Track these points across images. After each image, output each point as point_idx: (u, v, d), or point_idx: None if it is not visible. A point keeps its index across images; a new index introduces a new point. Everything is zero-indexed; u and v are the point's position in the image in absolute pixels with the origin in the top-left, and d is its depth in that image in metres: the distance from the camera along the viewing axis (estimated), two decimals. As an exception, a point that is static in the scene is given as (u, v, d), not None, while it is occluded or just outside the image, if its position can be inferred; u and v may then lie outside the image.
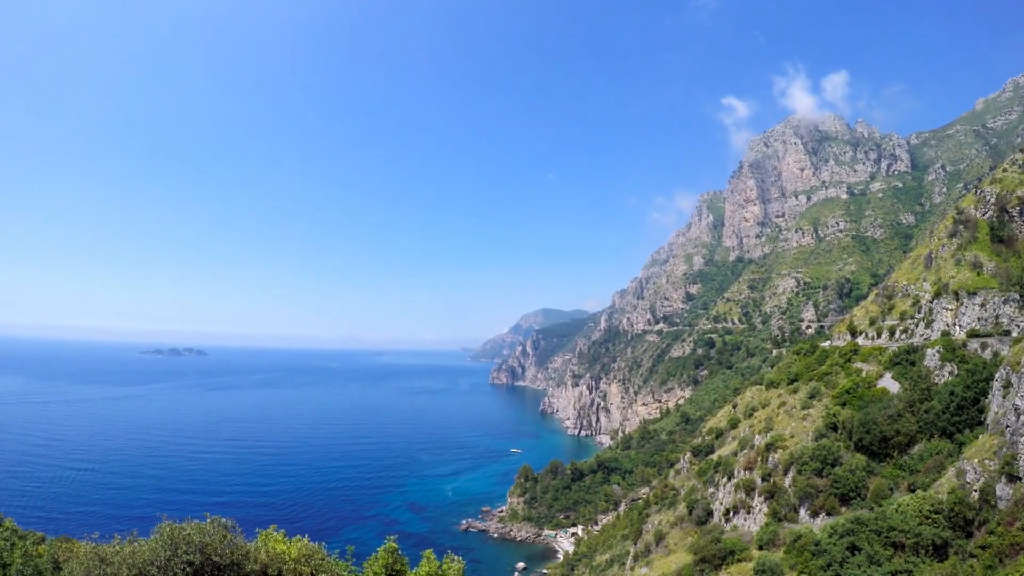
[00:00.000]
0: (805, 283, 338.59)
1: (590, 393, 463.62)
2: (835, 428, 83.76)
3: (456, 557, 21.51)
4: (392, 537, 21.69)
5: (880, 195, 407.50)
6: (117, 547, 15.83)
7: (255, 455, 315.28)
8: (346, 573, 19.73)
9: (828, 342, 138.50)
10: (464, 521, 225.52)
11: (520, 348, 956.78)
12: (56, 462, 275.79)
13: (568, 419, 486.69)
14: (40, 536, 26.45)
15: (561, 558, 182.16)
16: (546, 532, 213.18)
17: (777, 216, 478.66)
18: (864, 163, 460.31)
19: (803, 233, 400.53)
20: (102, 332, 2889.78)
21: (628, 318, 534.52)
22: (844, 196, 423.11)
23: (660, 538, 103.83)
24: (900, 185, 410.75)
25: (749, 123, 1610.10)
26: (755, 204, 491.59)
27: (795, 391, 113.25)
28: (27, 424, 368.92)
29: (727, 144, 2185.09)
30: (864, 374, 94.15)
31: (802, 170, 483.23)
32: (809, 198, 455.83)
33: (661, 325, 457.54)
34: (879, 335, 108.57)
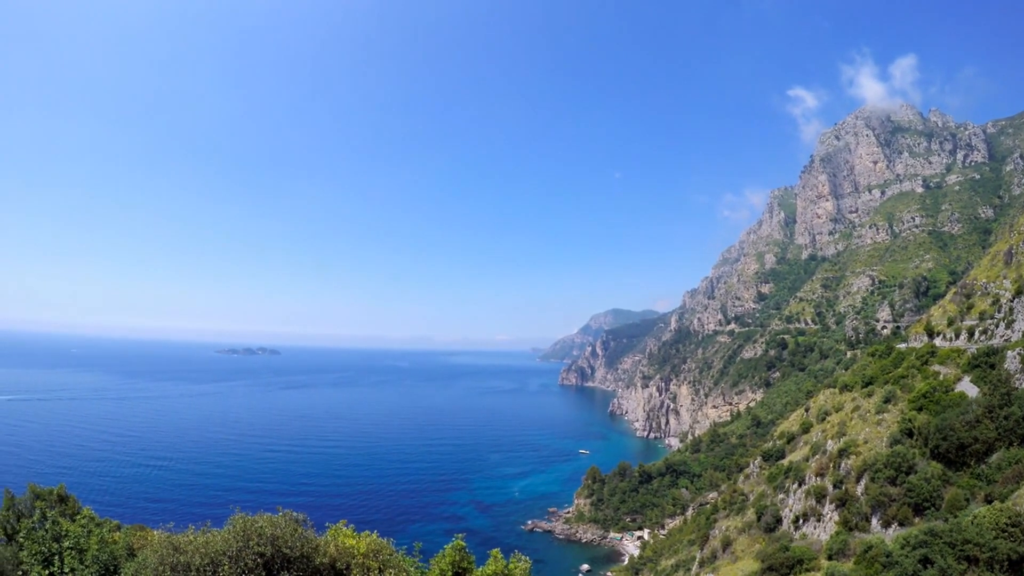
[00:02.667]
0: (880, 282, 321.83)
1: (659, 395, 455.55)
2: (910, 434, 79.55)
3: (523, 557, 21.22)
4: (460, 535, 21.55)
5: (957, 188, 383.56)
6: (191, 536, 16.13)
7: (326, 452, 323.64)
8: (413, 569, 19.70)
9: (904, 343, 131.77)
10: (530, 521, 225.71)
11: (590, 349, 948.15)
12: (133, 456, 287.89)
13: (637, 421, 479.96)
14: (116, 524, 27.28)
15: (626, 561, 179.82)
16: (612, 535, 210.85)
17: (850, 212, 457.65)
18: (939, 154, 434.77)
19: (877, 229, 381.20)
20: (181, 332, 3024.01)
21: (699, 318, 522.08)
22: (919, 190, 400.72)
23: (727, 544, 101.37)
24: (977, 177, 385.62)
25: (818, 113, 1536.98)
26: (827, 200, 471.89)
27: (869, 395, 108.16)
28: (106, 419, 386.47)
29: (796, 138, 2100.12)
30: (941, 377, 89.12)
31: (875, 163, 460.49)
32: (883, 192, 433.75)
33: (732, 325, 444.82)
34: (957, 336, 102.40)
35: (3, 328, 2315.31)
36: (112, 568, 18.20)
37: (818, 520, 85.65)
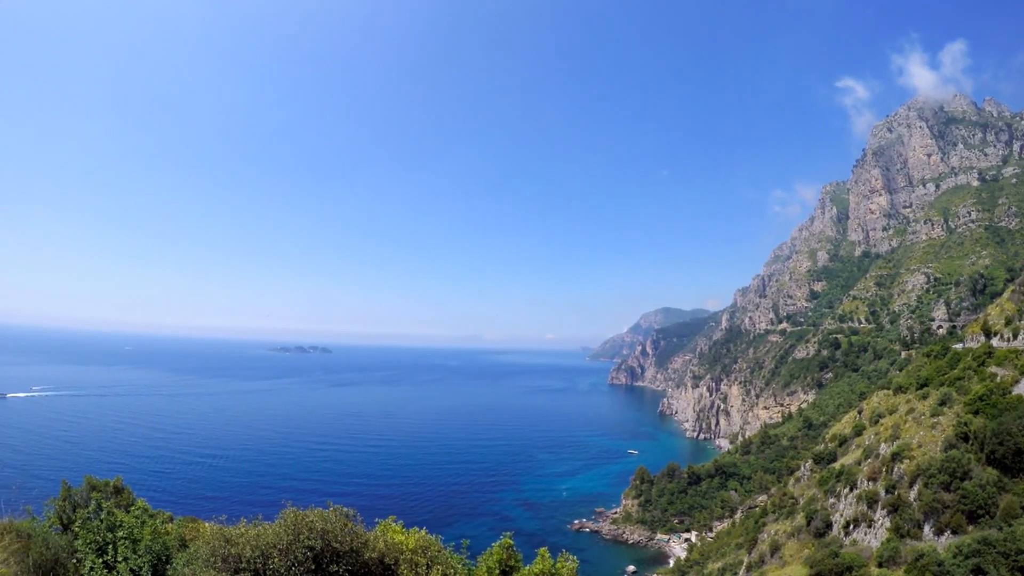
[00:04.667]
0: (935, 279, 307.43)
1: (710, 395, 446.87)
2: (966, 438, 76.34)
3: (571, 556, 20.87)
4: (508, 533, 21.34)
5: (1014, 180, 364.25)
6: (242, 529, 16.09)
7: (376, 449, 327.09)
8: (460, 566, 19.45)
9: (960, 344, 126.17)
10: (577, 521, 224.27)
11: (639, 348, 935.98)
12: (186, 451, 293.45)
13: (687, 421, 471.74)
14: (168, 516, 27.38)
15: (672, 563, 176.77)
16: (659, 536, 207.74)
17: (904, 207, 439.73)
18: (995, 145, 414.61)
19: (932, 224, 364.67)
20: (234, 331, 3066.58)
21: (750, 317, 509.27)
22: (975, 183, 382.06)
23: (775, 548, 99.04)
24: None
25: (870, 104, 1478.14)
26: (880, 194, 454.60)
27: (924, 397, 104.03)
28: (160, 415, 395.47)
29: (847, 130, 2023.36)
30: (999, 379, 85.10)
31: (929, 156, 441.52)
32: (938, 186, 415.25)
33: (784, 325, 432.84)
34: (1015, 336, 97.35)
35: (63, 327, 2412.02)
36: (164, 558, 18.38)
37: (869, 526, 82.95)
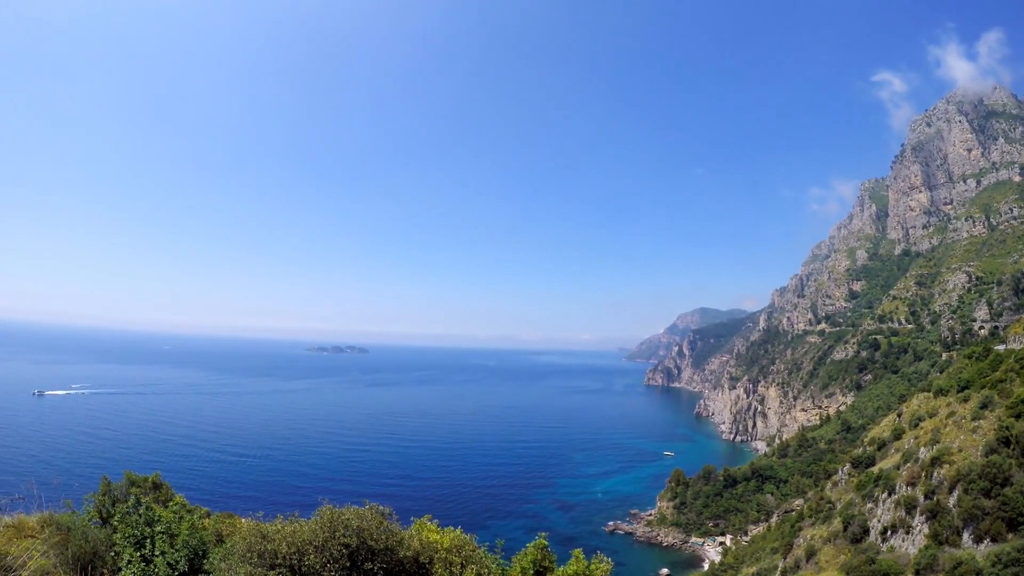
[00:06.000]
0: (977, 278, 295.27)
1: (747, 397, 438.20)
2: (1007, 443, 73.84)
3: (605, 558, 20.47)
4: (543, 534, 21.16)
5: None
6: (278, 525, 16.02)
7: (412, 449, 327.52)
8: (495, 566, 19.18)
9: (1002, 345, 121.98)
10: (611, 523, 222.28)
11: (676, 348, 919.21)
12: (223, 448, 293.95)
13: (723, 423, 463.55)
14: (205, 511, 27.46)
15: (706, 567, 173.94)
16: (693, 539, 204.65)
17: (945, 203, 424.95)
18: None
19: (973, 222, 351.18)
20: (271, 331, 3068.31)
21: (788, 317, 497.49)
22: (1017, 178, 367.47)
23: (811, 554, 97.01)
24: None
25: (908, 97, 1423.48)
26: (920, 191, 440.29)
27: (965, 400, 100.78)
28: (198, 413, 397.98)
29: (885, 125, 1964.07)
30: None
31: (969, 151, 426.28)
32: (979, 182, 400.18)
33: (823, 325, 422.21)
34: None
35: (103, 327, 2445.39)
36: (201, 553, 18.44)
37: (907, 532, 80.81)
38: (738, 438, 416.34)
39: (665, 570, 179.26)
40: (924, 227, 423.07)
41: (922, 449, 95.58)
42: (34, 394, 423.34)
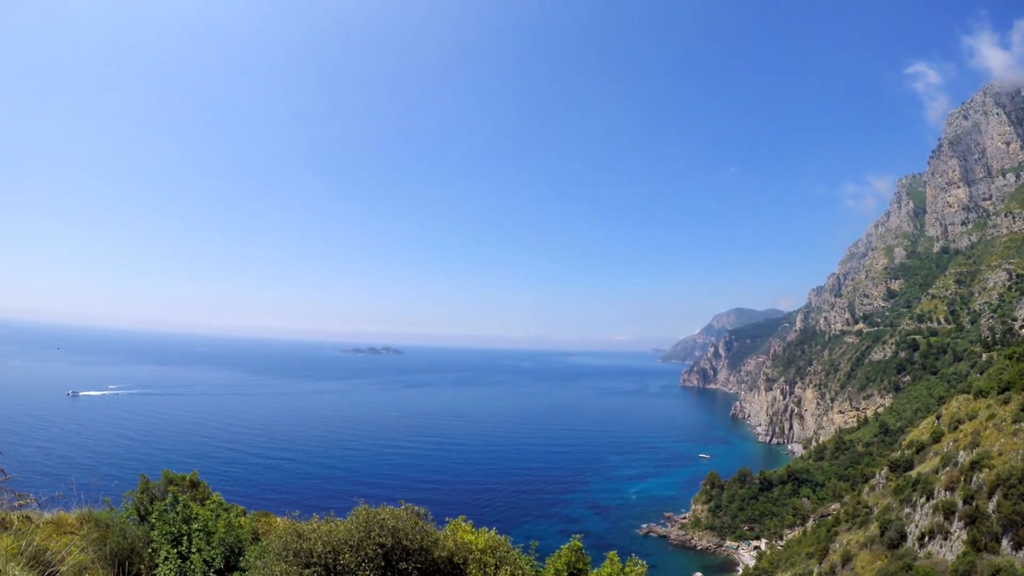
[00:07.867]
0: (1018, 276, 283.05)
1: (783, 398, 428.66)
2: (1049, 447, 71.89)
3: (640, 561, 20.05)
4: (578, 535, 20.73)
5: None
6: (314, 524, 16.03)
7: (447, 449, 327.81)
8: (528, 567, 18.93)
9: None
10: (645, 525, 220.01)
11: (712, 349, 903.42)
12: (259, 448, 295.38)
13: (759, 425, 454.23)
14: (242, 510, 27.38)
15: (740, 571, 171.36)
16: (727, 543, 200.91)
17: (984, 199, 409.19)
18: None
19: (1014, 217, 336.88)
20: (307, 332, 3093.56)
21: (825, 317, 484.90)
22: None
23: (847, 559, 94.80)
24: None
25: (944, 89, 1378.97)
26: (958, 186, 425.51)
27: (1006, 402, 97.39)
28: (234, 413, 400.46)
29: (921, 118, 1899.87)
30: (1086, 385, 79.48)
31: (1007, 144, 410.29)
32: (1018, 176, 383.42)
33: (860, 325, 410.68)
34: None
35: (139, 329, 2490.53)
36: (237, 550, 18.49)
37: (945, 538, 78.54)
38: (774, 440, 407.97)
39: (698, 574, 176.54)
40: (963, 224, 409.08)
41: (961, 452, 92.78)
42: (68, 395, 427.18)
